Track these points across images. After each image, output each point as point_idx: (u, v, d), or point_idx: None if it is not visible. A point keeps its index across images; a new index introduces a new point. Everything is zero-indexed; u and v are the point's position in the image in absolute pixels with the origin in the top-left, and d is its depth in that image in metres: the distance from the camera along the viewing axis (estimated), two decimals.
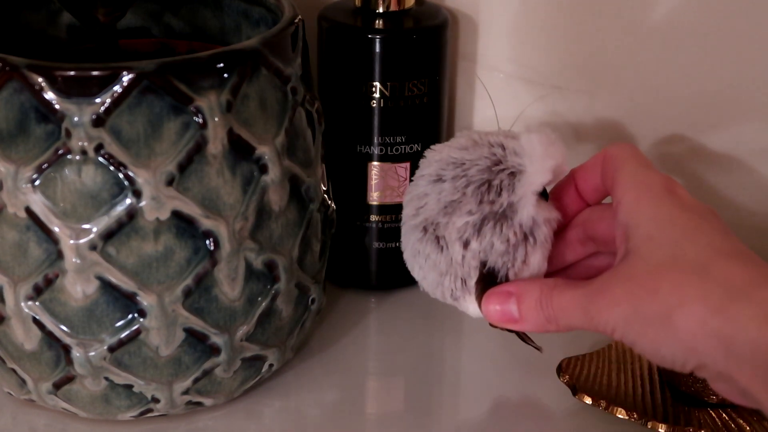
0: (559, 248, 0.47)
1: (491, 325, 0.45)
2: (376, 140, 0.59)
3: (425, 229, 0.46)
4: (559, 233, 0.47)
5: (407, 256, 0.48)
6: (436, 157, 0.46)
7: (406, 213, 0.47)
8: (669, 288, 0.39)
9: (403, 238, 0.48)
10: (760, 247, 0.63)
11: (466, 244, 0.45)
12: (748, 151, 0.62)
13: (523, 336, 0.47)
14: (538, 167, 0.44)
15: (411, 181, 0.48)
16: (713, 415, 0.50)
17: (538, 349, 0.48)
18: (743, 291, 0.38)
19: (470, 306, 0.46)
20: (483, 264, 0.45)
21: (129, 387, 0.48)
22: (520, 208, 0.44)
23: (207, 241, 0.46)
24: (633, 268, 0.40)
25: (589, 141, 0.66)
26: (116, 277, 0.45)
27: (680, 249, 0.40)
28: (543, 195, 0.45)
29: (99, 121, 0.43)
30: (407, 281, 0.65)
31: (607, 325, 0.41)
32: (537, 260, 0.45)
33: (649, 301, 0.39)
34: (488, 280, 0.45)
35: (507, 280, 0.45)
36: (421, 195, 0.46)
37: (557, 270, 0.49)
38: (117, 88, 0.43)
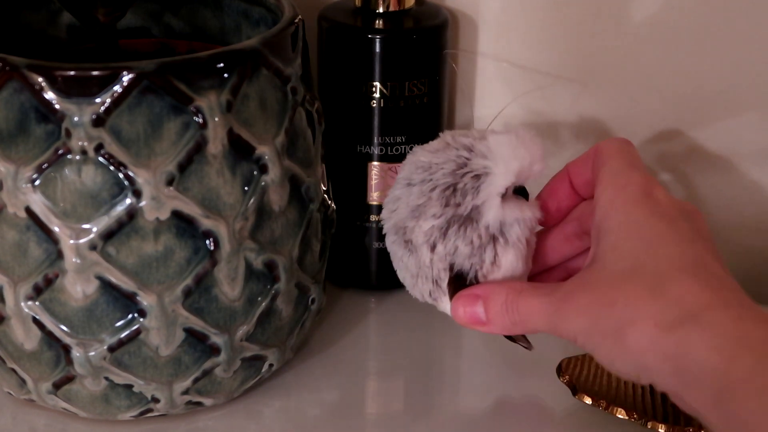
0: (556, 243, 0.48)
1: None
2: (376, 140, 0.59)
3: (397, 233, 0.46)
4: (556, 228, 0.48)
5: (391, 258, 0.48)
6: (410, 159, 0.47)
7: (383, 216, 0.48)
8: (623, 303, 0.39)
9: (385, 241, 0.48)
10: (758, 247, 0.63)
11: (432, 248, 0.45)
12: (746, 150, 0.63)
13: (511, 335, 0.47)
14: (502, 169, 0.44)
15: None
16: None
17: (527, 347, 0.48)
18: (694, 313, 0.38)
19: (447, 306, 0.46)
20: (451, 266, 0.45)
21: (129, 387, 0.48)
22: (485, 210, 0.44)
23: (207, 241, 0.46)
24: (596, 277, 0.41)
25: (586, 139, 0.66)
26: (116, 277, 0.45)
27: (640, 262, 0.40)
28: (522, 194, 0.46)
29: (99, 121, 0.43)
30: None
31: (570, 333, 0.41)
32: (509, 261, 0.45)
33: (606, 315, 0.39)
34: (458, 282, 0.45)
35: (477, 281, 0.45)
36: (395, 198, 0.47)
37: (556, 265, 0.49)
38: (117, 88, 0.43)
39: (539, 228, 0.48)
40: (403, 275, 0.48)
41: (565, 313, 0.41)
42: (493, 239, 0.44)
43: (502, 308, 0.43)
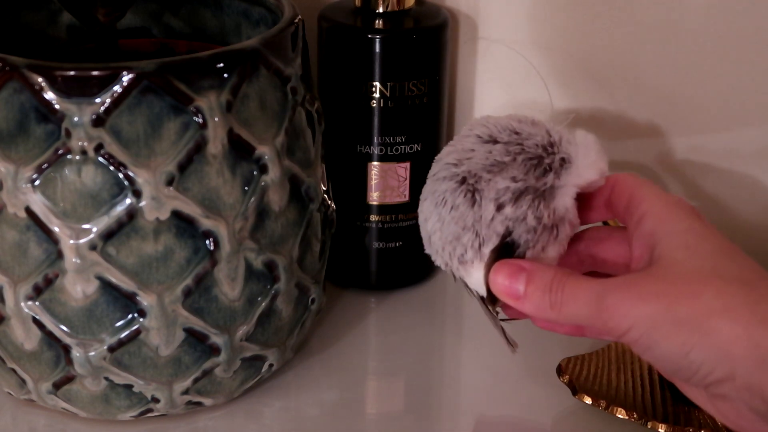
0: (560, 261, 0.47)
1: (484, 297, 0.45)
2: (376, 140, 0.59)
3: (464, 180, 0.45)
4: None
5: (427, 205, 0.46)
6: (492, 121, 0.46)
7: (446, 161, 0.46)
8: (713, 293, 0.38)
9: (428, 186, 0.46)
10: (759, 247, 0.63)
11: (500, 207, 0.44)
12: (746, 150, 0.63)
13: (503, 329, 0.46)
14: (590, 162, 0.44)
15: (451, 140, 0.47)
16: None
17: (512, 347, 0.47)
18: None
19: (475, 273, 0.45)
20: (508, 233, 0.44)
21: (129, 387, 0.48)
22: (560, 195, 0.44)
23: (207, 241, 0.46)
24: (667, 271, 0.40)
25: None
26: (116, 277, 0.45)
27: (720, 262, 0.40)
28: None
29: (99, 121, 0.43)
30: (407, 281, 0.65)
31: (624, 320, 0.40)
32: (552, 255, 0.45)
33: (687, 304, 0.39)
34: (504, 251, 0.44)
35: (523, 258, 0.45)
36: (467, 149, 0.45)
37: None
38: (117, 88, 0.43)
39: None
40: (442, 225, 0.45)
41: (626, 298, 0.40)
42: (552, 227, 0.44)
43: (545, 286, 0.42)
